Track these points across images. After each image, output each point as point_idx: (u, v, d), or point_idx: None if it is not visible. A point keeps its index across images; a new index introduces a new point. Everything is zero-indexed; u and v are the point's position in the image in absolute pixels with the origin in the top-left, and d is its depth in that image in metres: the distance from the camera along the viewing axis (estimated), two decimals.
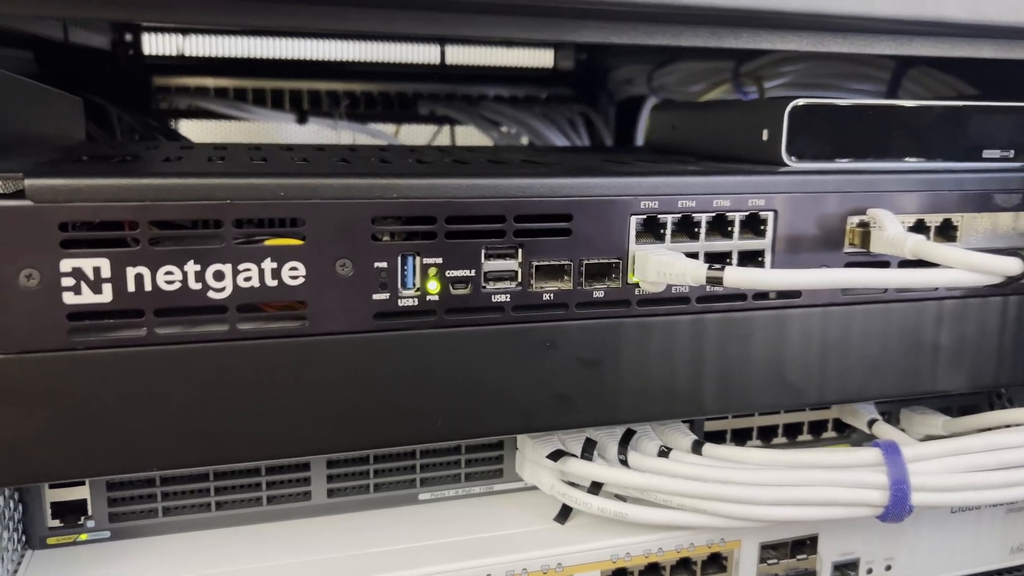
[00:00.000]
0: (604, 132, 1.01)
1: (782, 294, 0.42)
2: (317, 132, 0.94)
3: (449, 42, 0.98)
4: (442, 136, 1.01)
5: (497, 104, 0.99)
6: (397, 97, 0.98)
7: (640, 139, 0.96)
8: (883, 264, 0.43)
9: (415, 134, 1.00)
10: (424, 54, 0.99)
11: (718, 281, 0.36)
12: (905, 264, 0.43)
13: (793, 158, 0.44)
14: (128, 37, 0.88)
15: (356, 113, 0.95)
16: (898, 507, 0.41)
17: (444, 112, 0.98)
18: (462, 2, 0.33)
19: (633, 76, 0.97)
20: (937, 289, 0.44)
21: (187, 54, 0.92)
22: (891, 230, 0.41)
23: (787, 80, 0.74)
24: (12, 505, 0.38)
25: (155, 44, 0.90)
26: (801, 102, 0.44)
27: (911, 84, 0.64)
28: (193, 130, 0.92)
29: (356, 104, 0.95)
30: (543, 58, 1.04)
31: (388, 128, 0.98)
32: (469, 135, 1.01)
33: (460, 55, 1.00)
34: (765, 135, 0.45)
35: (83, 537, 0.40)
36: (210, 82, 0.92)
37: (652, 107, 0.65)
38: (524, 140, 0.99)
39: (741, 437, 0.51)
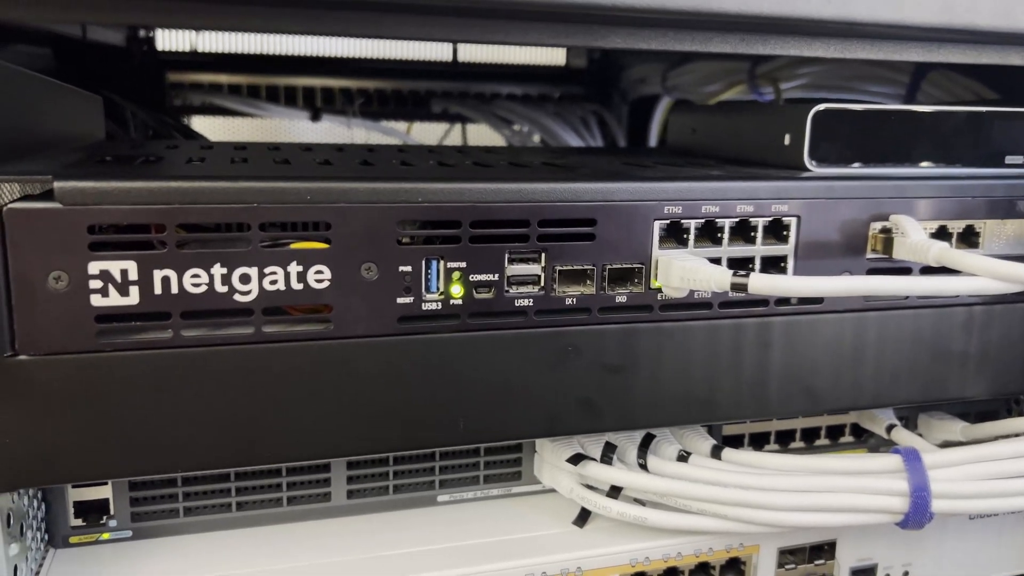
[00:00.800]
0: (617, 131, 1.01)
1: (804, 300, 0.42)
2: (330, 129, 0.94)
3: (461, 39, 0.97)
4: (454, 134, 1.01)
5: (510, 102, 0.99)
6: (410, 95, 0.98)
7: (653, 139, 0.96)
8: (905, 270, 0.43)
9: (427, 132, 1.00)
10: (436, 51, 0.99)
11: (743, 287, 0.36)
12: (927, 271, 0.43)
13: (815, 163, 0.44)
14: (143, 34, 0.88)
15: (369, 111, 0.95)
16: (919, 514, 0.41)
17: (457, 110, 0.98)
18: (484, 9, 0.33)
19: (647, 75, 0.97)
20: (959, 296, 0.44)
21: (200, 50, 0.92)
22: (914, 237, 0.40)
23: (804, 82, 0.74)
24: (35, 504, 0.38)
25: (169, 40, 0.90)
26: (824, 107, 0.43)
27: (930, 87, 0.64)
28: (206, 127, 0.92)
29: (369, 102, 0.95)
30: (556, 56, 1.04)
31: (400, 126, 0.98)
32: (481, 133, 1.01)
33: (472, 53, 1.00)
34: (787, 139, 0.45)
35: (105, 536, 0.41)
36: (223, 78, 0.92)
37: (670, 109, 0.65)
38: (536, 138, 0.99)
39: (759, 441, 0.51)
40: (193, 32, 0.90)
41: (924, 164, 0.45)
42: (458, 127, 1.01)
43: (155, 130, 0.80)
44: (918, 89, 0.65)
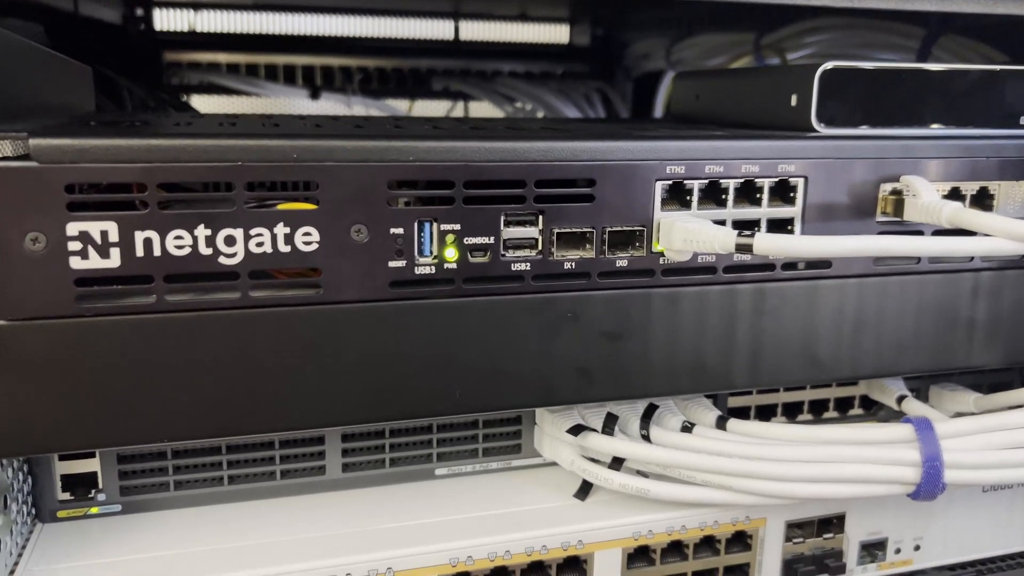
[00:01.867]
0: (621, 108, 0.99)
1: (812, 264, 0.40)
2: (330, 108, 0.93)
3: (463, 17, 0.96)
4: (456, 112, 0.99)
5: (512, 80, 0.98)
6: (411, 73, 0.96)
7: (658, 113, 0.94)
8: (916, 233, 0.41)
9: (429, 109, 0.99)
10: (438, 29, 0.97)
11: (748, 248, 0.35)
12: (939, 233, 0.41)
13: (823, 124, 0.42)
14: (139, 12, 0.86)
15: (369, 89, 0.94)
16: (931, 485, 0.40)
17: (458, 88, 0.97)
18: None
19: (650, 51, 0.95)
20: (972, 260, 0.43)
21: (198, 29, 0.90)
22: (926, 197, 0.39)
23: (811, 51, 0.72)
24: (21, 477, 0.37)
25: (166, 19, 0.89)
26: (831, 65, 0.42)
27: (941, 52, 0.62)
28: (205, 105, 0.91)
29: (369, 80, 0.94)
30: (559, 33, 1.03)
31: (402, 104, 0.97)
32: (483, 111, 0.99)
33: (474, 30, 0.98)
34: (794, 100, 0.44)
35: (94, 510, 0.40)
36: (222, 57, 0.91)
37: (674, 76, 0.63)
38: (539, 115, 0.98)
39: (765, 414, 0.49)
40: (191, 11, 0.89)
41: (935, 125, 0.44)
42: (460, 105, 0.99)
43: (153, 108, 0.79)
44: (929, 55, 0.63)
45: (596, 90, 1.00)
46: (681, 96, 0.58)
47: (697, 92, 0.55)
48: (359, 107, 0.93)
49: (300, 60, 0.93)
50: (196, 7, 0.89)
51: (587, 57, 1.01)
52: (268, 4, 0.89)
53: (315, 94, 0.93)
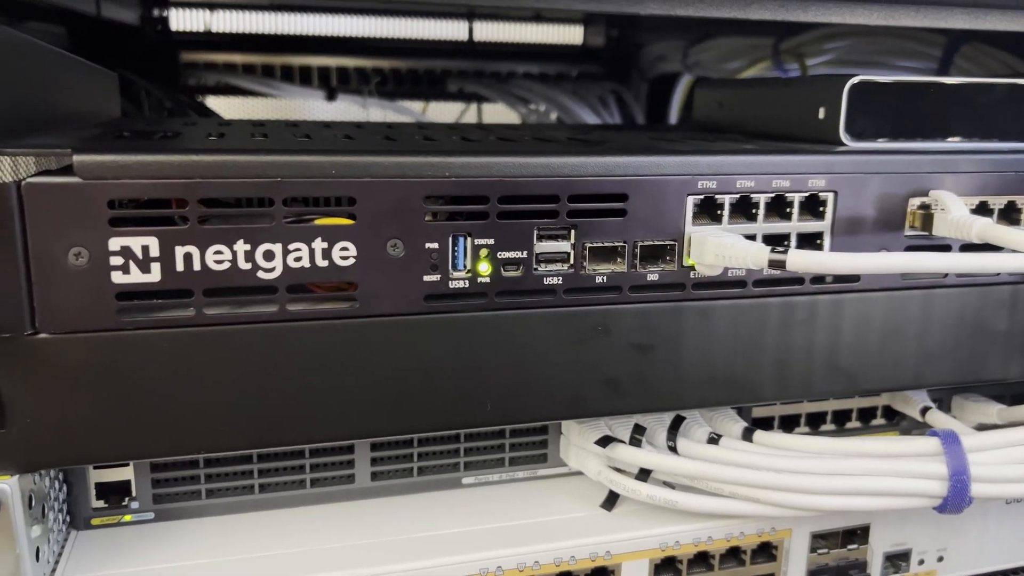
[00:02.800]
0: (636, 110, 0.99)
1: (840, 278, 0.41)
2: (346, 109, 0.93)
3: (477, 18, 0.96)
4: (470, 113, 0.99)
5: (526, 81, 0.98)
6: (426, 74, 0.97)
7: (674, 117, 0.94)
8: (944, 247, 0.41)
9: (443, 111, 0.99)
10: (452, 30, 0.97)
11: (781, 264, 0.35)
12: (967, 248, 0.41)
13: (851, 137, 0.43)
14: (156, 12, 0.87)
15: (384, 90, 0.94)
16: (958, 498, 0.40)
17: (473, 89, 0.97)
18: None
19: (666, 53, 0.95)
20: (999, 274, 0.43)
21: (215, 30, 0.91)
22: (956, 212, 0.39)
23: (830, 57, 0.72)
24: (57, 486, 0.38)
25: (183, 19, 0.89)
26: (860, 79, 0.42)
27: (963, 61, 0.62)
28: (221, 106, 0.91)
29: (385, 81, 0.94)
30: (573, 34, 1.03)
31: (416, 105, 0.97)
32: (497, 112, 0.99)
33: (488, 31, 0.98)
34: (822, 113, 0.44)
35: (127, 518, 0.40)
36: (238, 58, 0.91)
37: (696, 84, 0.63)
38: (553, 117, 0.98)
39: (789, 423, 0.49)
40: (207, 11, 0.89)
41: (963, 138, 0.44)
42: (474, 107, 0.99)
43: (169, 110, 0.80)
44: (951, 63, 0.63)
45: (611, 92, 1.00)
46: (704, 103, 0.58)
47: (720, 100, 0.55)
48: (375, 108, 0.93)
49: (316, 61, 0.93)
50: (212, 7, 0.89)
51: (602, 58, 1.01)
52: (284, 4, 0.89)
53: (331, 95, 0.93)
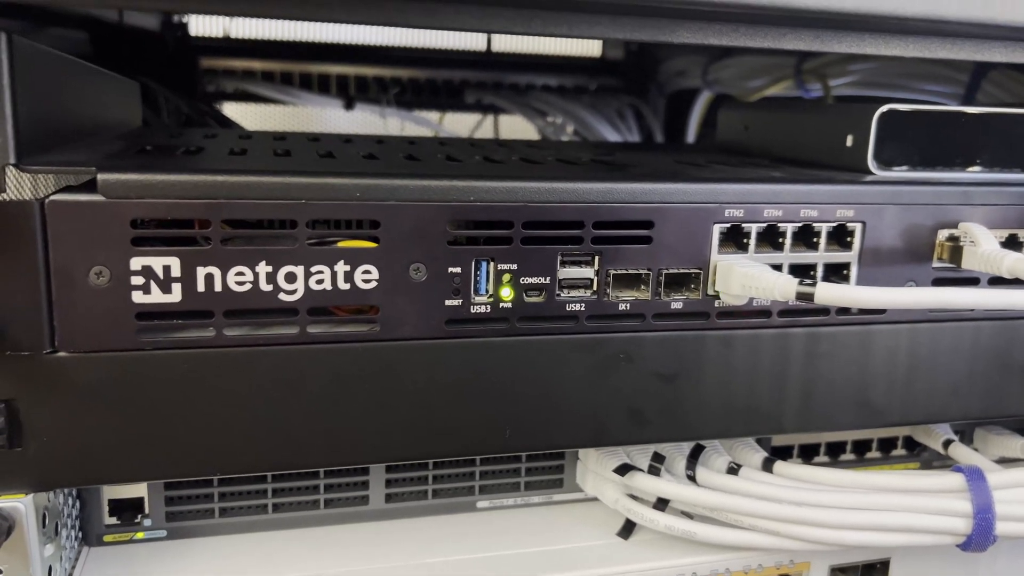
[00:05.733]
0: (654, 124, 0.98)
1: (866, 310, 0.40)
2: (364, 118, 0.93)
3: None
4: (486, 124, 0.99)
5: (544, 93, 0.97)
6: (444, 85, 0.96)
7: (692, 133, 0.94)
8: (972, 280, 0.41)
9: (460, 122, 0.98)
10: (470, 41, 0.97)
11: (809, 297, 0.35)
12: (995, 280, 0.41)
13: (879, 166, 0.42)
14: (176, 18, 0.87)
15: (402, 100, 0.93)
16: (982, 537, 0.39)
17: (491, 100, 0.97)
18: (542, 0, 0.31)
19: (686, 68, 0.94)
20: None
21: (233, 36, 0.91)
22: (986, 246, 0.38)
23: (854, 79, 0.72)
24: (70, 502, 0.37)
25: (202, 25, 0.89)
26: (889, 108, 0.41)
27: (990, 87, 0.61)
28: (239, 113, 0.91)
29: (403, 91, 0.94)
30: (591, 48, 1.02)
31: (433, 116, 0.97)
32: (514, 124, 0.99)
33: (506, 42, 0.98)
34: (850, 141, 0.43)
35: (140, 535, 0.40)
36: (257, 65, 0.91)
37: (720, 105, 0.63)
38: (569, 130, 0.97)
39: (808, 452, 0.49)
40: (227, 17, 0.89)
41: (992, 168, 0.43)
42: (490, 118, 0.99)
43: (188, 116, 0.79)
44: (978, 88, 0.62)
45: (629, 105, 0.99)
46: (729, 125, 0.57)
47: (745, 123, 0.55)
48: (393, 119, 0.93)
49: (334, 69, 0.93)
50: (233, 14, 0.89)
51: (620, 72, 1.01)
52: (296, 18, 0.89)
53: (349, 104, 0.93)
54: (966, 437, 0.50)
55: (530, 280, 0.35)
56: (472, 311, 0.35)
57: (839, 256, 0.39)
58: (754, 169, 0.43)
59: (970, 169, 0.43)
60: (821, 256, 0.39)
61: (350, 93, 0.93)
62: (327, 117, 0.96)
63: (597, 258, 0.36)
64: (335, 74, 0.93)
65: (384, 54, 0.94)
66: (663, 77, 0.99)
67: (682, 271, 0.37)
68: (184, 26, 0.87)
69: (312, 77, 0.93)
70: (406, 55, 0.95)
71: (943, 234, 0.40)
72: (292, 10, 0.33)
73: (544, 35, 0.31)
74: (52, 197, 0.30)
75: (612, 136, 0.96)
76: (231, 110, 0.90)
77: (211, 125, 0.79)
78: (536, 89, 0.98)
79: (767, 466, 0.42)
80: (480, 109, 0.98)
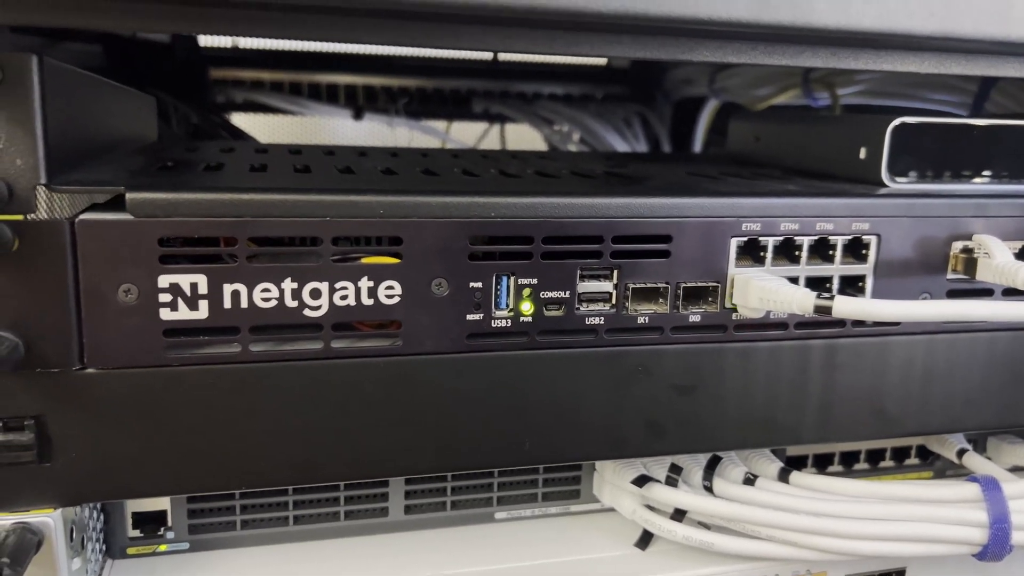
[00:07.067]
0: (661, 133, 0.99)
1: (881, 322, 0.40)
2: (372, 128, 0.94)
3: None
4: (493, 133, 1.00)
5: (551, 102, 0.98)
6: (451, 94, 0.97)
7: (699, 142, 0.94)
8: (986, 292, 0.41)
9: (467, 131, 0.99)
10: (477, 51, 0.97)
11: (827, 311, 0.35)
12: (1010, 292, 0.41)
13: (893, 178, 0.42)
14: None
15: (410, 109, 0.94)
16: (998, 546, 0.39)
17: (498, 110, 0.97)
18: (568, 21, 0.32)
19: (693, 77, 0.95)
20: None
21: (242, 46, 0.91)
22: (1000, 258, 0.39)
23: (862, 88, 0.72)
24: (95, 515, 0.38)
25: (211, 37, 0.89)
26: (902, 120, 0.42)
27: (1000, 96, 0.62)
28: (248, 124, 0.91)
29: (410, 100, 0.94)
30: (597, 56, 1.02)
31: (440, 125, 0.97)
32: (521, 132, 0.99)
33: (512, 52, 0.98)
34: (863, 153, 0.44)
35: (162, 548, 0.40)
36: (266, 75, 0.92)
37: (731, 115, 0.63)
38: (576, 138, 0.98)
39: (822, 462, 0.49)
40: None
41: (1006, 180, 0.43)
42: (497, 126, 0.99)
43: (197, 127, 0.80)
44: (986, 98, 0.62)
45: (636, 114, 1.00)
46: (740, 136, 0.58)
47: (757, 134, 0.55)
48: (401, 128, 0.93)
49: (343, 79, 0.93)
50: (239, 34, 0.89)
51: (627, 80, 1.01)
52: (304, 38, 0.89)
53: (358, 114, 0.93)
54: (979, 446, 0.50)
55: (550, 294, 0.36)
56: (493, 325, 0.35)
57: (855, 269, 0.39)
58: (768, 182, 0.44)
59: (981, 180, 0.43)
60: (837, 269, 0.39)
61: (359, 103, 0.93)
62: (336, 127, 0.96)
63: (616, 272, 0.36)
64: (343, 84, 0.93)
65: (392, 64, 0.94)
66: (670, 85, 0.99)
67: (700, 284, 0.38)
68: (194, 38, 0.88)
69: (321, 87, 0.93)
70: (414, 64, 0.95)
71: (957, 246, 0.41)
72: (313, 31, 0.33)
73: (566, 55, 0.32)
74: (82, 216, 0.30)
75: (619, 144, 0.96)
76: (240, 120, 0.91)
77: (222, 136, 0.79)
78: (543, 98, 0.99)
79: (783, 476, 0.42)
80: (487, 118, 0.98)
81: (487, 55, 0.98)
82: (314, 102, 0.92)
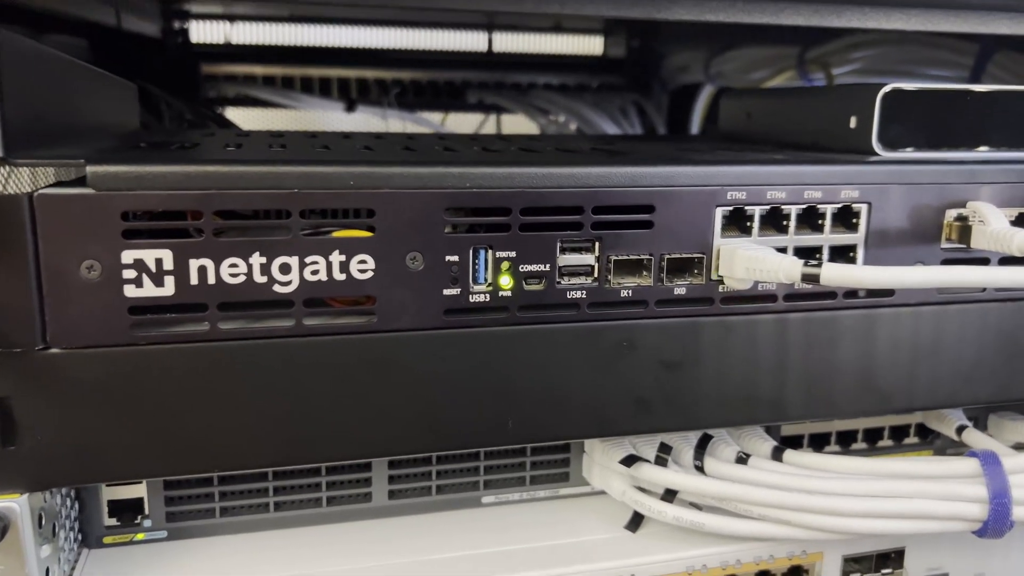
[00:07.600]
0: (657, 121, 0.98)
1: (874, 292, 0.39)
2: (366, 120, 0.93)
3: (496, 29, 0.96)
4: (489, 124, 0.99)
5: (546, 92, 0.97)
6: (445, 85, 0.96)
7: (695, 128, 0.93)
8: (982, 260, 0.40)
9: (463, 122, 0.98)
10: (471, 41, 0.97)
11: (814, 279, 0.34)
12: (1007, 261, 0.40)
13: (884, 147, 0.41)
14: (177, 24, 0.87)
15: (404, 101, 0.93)
16: (999, 522, 0.38)
17: (493, 100, 0.96)
18: None
19: (688, 63, 0.94)
20: None
21: (234, 42, 0.91)
22: (995, 225, 0.38)
23: (858, 67, 0.71)
24: (69, 503, 0.37)
25: (203, 32, 0.89)
26: (893, 87, 0.41)
27: (996, 70, 0.61)
28: (241, 118, 0.91)
29: (404, 92, 0.94)
30: (593, 45, 1.02)
31: (435, 116, 0.96)
32: (517, 123, 0.99)
33: (508, 42, 0.98)
34: (853, 123, 0.43)
35: (140, 536, 0.39)
36: (258, 70, 0.91)
37: (721, 93, 0.62)
38: (572, 128, 0.97)
39: (819, 442, 0.48)
40: (227, 23, 0.89)
41: (1000, 147, 0.42)
42: (493, 117, 0.99)
43: (190, 121, 0.79)
44: (983, 72, 0.61)
45: (632, 102, 0.99)
46: (731, 113, 0.57)
47: (748, 110, 0.54)
48: (394, 120, 0.93)
49: (335, 72, 0.93)
50: (232, 19, 0.89)
51: (622, 69, 1.00)
52: (303, 16, 0.89)
53: (351, 107, 0.92)
54: (980, 423, 0.49)
55: (529, 268, 0.35)
56: (471, 300, 0.34)
57: (845, 238, 0.38)
58: (756, 153, 0.43)
59: (977, 149, 0.42)
60: (827, 238, 0.38)
61: (351, 96, 0.93)
62: (329, 120, 0.95)
63: (597, 244, 0.35)
64: (336, 77, 0.93)
65: (385, 56, 0.94)
66: (665, 73, 0.99)
67: (684, 256, 0.36)
68: (185, 32, 0.87)
69: (313, 81, 0.92)
70: (407, 57, 0.95)
71: (951, 214, 0.39)
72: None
73: (537, 13, 0.30)
74: (41, 191, 0.29)
75: (615, 132, 0.95)
76: (233, 115, 0.90)
77: (212, 128, 0.78)
78: (538, 88, 0.98)
79: (776, 455, 0.41)
80: (482, 109, 0.97)
81: (481, 46, 0.97)
82: (307, 95, 0.92)
